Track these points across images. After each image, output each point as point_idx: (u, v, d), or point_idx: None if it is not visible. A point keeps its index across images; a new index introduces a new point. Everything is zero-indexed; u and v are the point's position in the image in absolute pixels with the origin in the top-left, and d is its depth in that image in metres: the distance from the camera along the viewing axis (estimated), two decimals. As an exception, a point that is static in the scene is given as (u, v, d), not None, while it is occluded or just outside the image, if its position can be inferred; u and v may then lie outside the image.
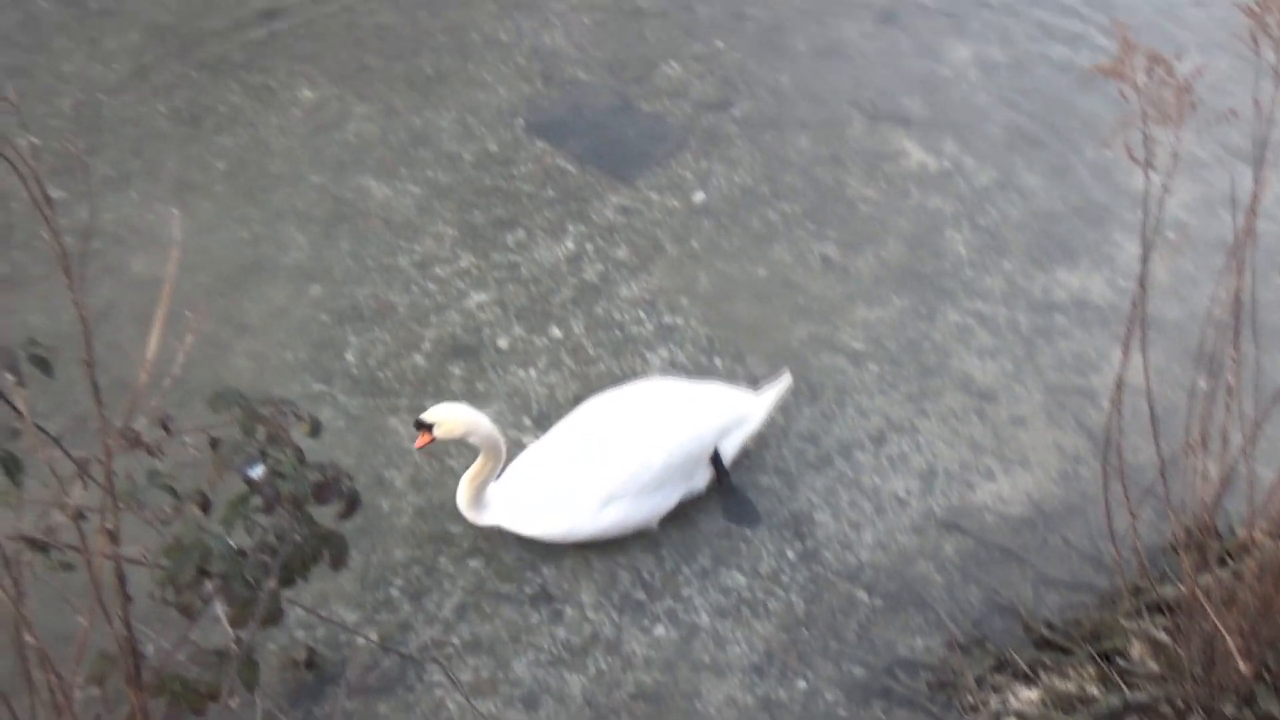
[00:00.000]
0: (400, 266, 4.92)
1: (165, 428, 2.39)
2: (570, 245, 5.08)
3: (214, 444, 2.36)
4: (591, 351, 4.68)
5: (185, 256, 4.76)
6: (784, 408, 4.50)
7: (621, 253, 5.08)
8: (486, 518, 3.95)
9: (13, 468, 2.25)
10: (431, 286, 4.85)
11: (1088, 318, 5.04)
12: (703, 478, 4.15)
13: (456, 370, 4.56)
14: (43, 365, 2.35)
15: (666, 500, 4.05)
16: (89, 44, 5.73)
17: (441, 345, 4.64)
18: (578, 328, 4.77)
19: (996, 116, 5.95)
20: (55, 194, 4.87)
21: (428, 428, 3.65)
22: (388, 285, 4.84)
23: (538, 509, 3.91)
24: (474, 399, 4.41)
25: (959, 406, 4.64)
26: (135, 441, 2.38)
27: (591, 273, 4.99)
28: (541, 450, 4.01)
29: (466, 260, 4.98)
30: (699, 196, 5.36)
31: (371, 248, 4.98)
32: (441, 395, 4.43)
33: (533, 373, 4.58)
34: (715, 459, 4.15)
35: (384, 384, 4.46)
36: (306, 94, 5.62)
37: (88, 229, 4.86)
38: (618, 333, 4.76)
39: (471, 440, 3.71)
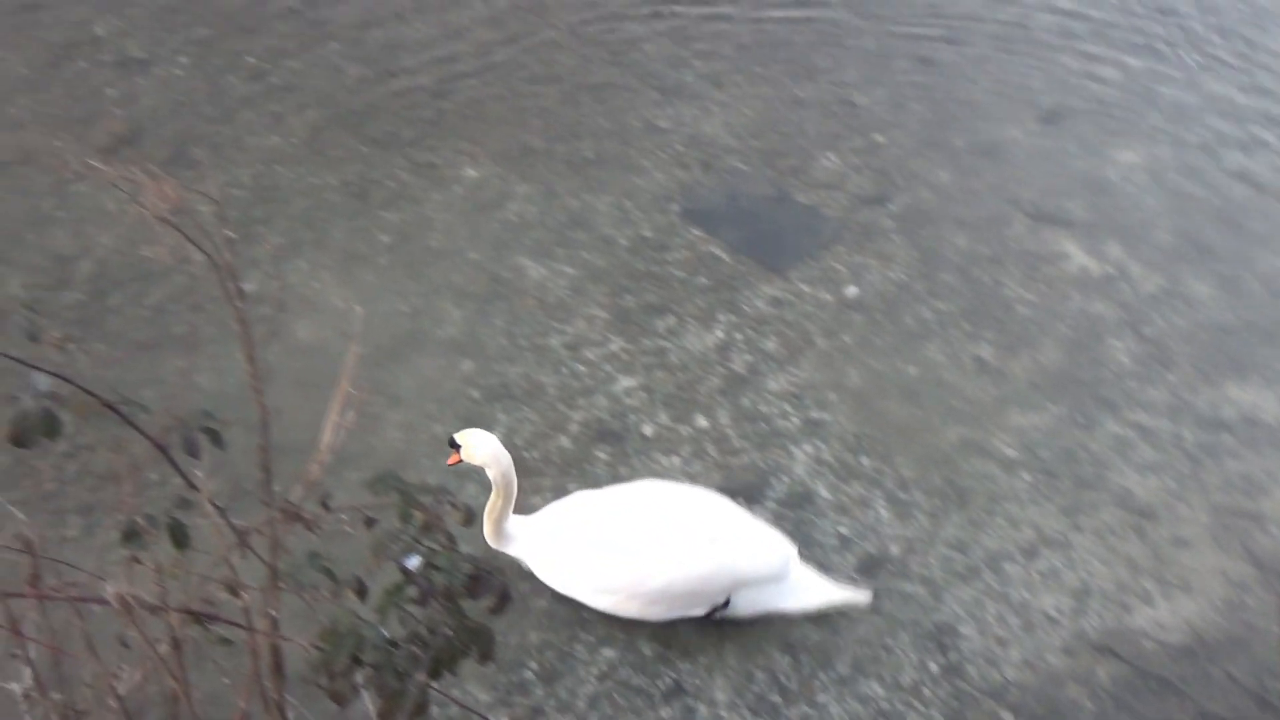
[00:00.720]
0: (551, 347, 5.03)
1: (325, 505, 2.48)
2: (720, 334, 5.13)
3: (369, 523, 2.44)
4: (736, 443, 4.69)
5: (347, 325, 5.01)
6: (931, 513, 4.43)
7: (771, 344, 5.11)
8: (509, 549, 4.01)
9: (181, 538, 2.36)
10: (581, 369, 4.95)
11: (1258, 438, 4.85)
12: (702, 609, 3.97)
13: (601, 454, 4.62)
14: (215, 438, 2.47)
15: (660, 612, 3.95)
16: (271, 117, 6.06)
17: (588, 428, 4.71)
18: (723, 418, 4.79)
19: (1164, 222, 5.82)
20: (229, 257, 5.15)
21: (458, 447, 3.81)
22: (538, 365, 4.95)
23: (549, 561, 3.96)
24: (619, 481, 4.46)
25: (1116, 523, 4.50)
26: (295, 517, 2.47)
27: (740, 363, 5.02)
28: (580, 507, 3.97)
29: (616, 344, 5.06)
30: (852, 291, 5.36)
31: (525, 327, 5.11)
32: (585, 479, 4.50)
33: (676, 461, 4.61)
34: (723, 606, 3.95)
35: (529, 464, 4.55)
36: (470, 173, 5.84)
37: (260, 295, 5.13)
38: (764, 426, 4.77)
39: (489, 473, 3.80)
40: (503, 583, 2.36)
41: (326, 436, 2.50)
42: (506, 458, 3.80)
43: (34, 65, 6.27)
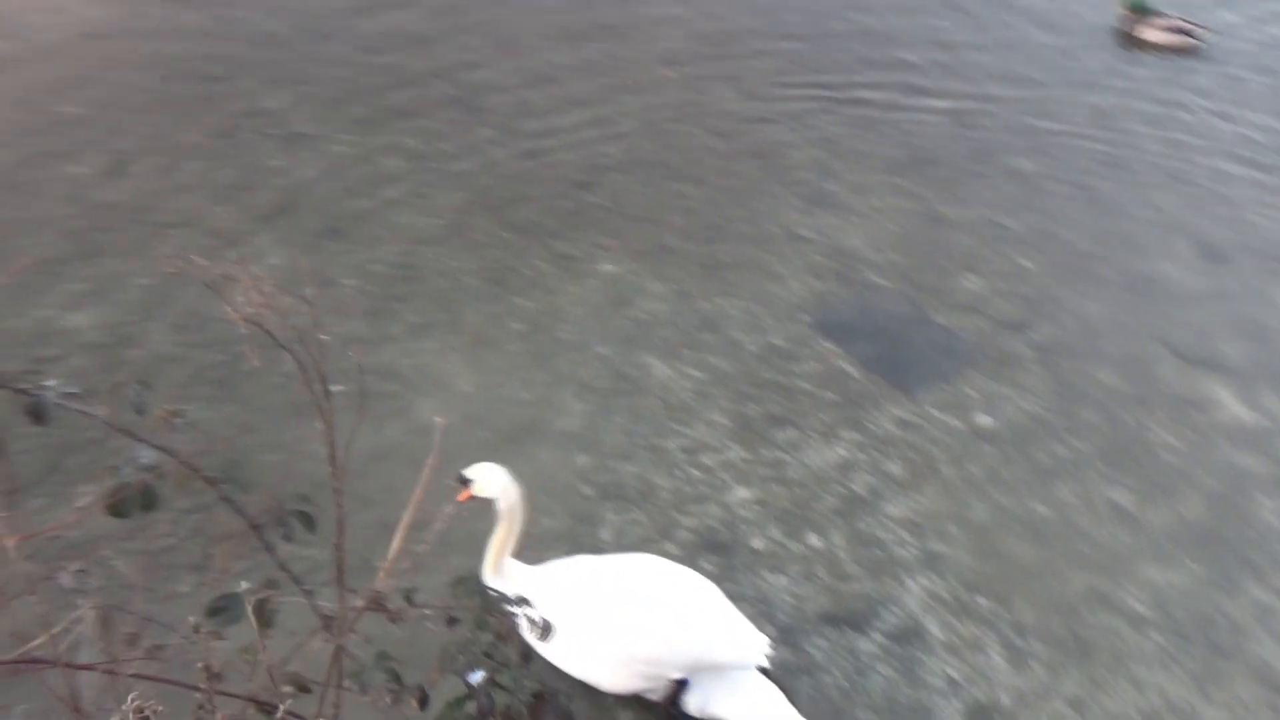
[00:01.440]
0: (669, 449, 5.02)
1: (408, 599, 2.49)
2: (842, 452, 5.05)
3: (451, 623, 2.44)
4: (848, 568, 4.58)
5: (470, 409, 5.10)
6: (1049, 664, 4.23)
7: (894, 468, 4.99)
8: (500, 586, 3.81)
9: (266, 618, 2.39)
10: (696, 474, 4.92)
11: None
12: (659, 693, 3.89)
13: (707, 564, 4.56)
14: (307, 522, 2.52)
15: (620, 681, 3.88)
16: (419, 198, 6.28)
17: (697, 536, 4.67)
18: (837, 539, 4.69)
19: (1330, 376, 5.53)
20: (365, 333, 5.32)
21: (468, 482, 3.88)
22: (654, 466, 4.94)
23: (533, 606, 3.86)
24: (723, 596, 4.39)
25: (1251, 698, 4.21)
26: (379, 605, 2.49)
27: (860, 484, 4.92)
28: (574, 568, 3.96)
29: (735, 452, 5.02)
30: (984, 420, 5.22)
31: (644, 426, 5.12)
32: (689, 588, 4.44)
33: (783, 580, 4.52)
34: (678, 690, 3.84)
35: (634, 567, 4.51)
36: (606, 267, 5.92)
37: (389, 372, 5.27)
38: (878, 552, 4.64)
39: (499, 505, 3.89)
40: (566, 707, 2.32)
41: (397, 543, 2.52)
42: (515, 491, 3.91)
43: (208, 133, 6.66)
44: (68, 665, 2.30)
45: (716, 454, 5.02)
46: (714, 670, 3.85)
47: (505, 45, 7.37)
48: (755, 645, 3.84)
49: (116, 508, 2.20)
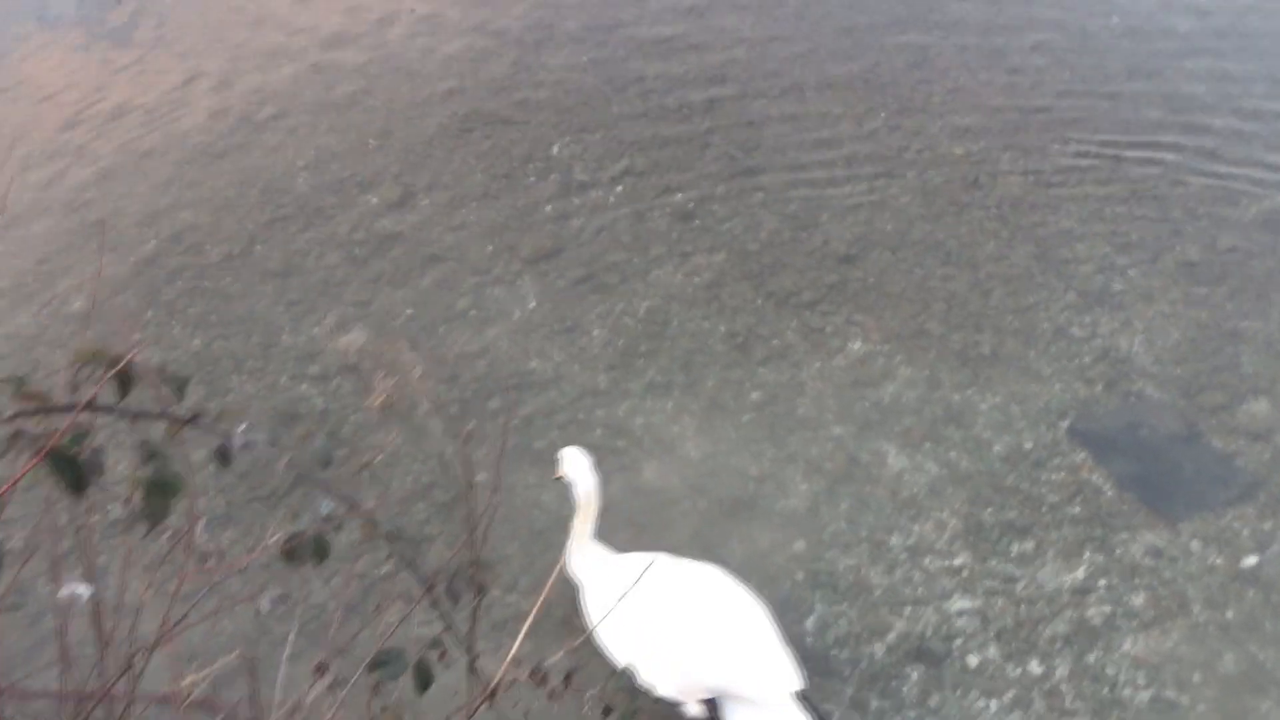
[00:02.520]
0: (890, 545, 4.86)
1: (567, 679, 2.52)
2: (1081, 574, 4.73)
3: (606, 712, 2.46)
4: (1069, 702, 4.28)
5: (693, 476, 5.13)
6: None
7: (1138, 600, 4.63)
8: (576, 573, 4.40)
9: (425, 679, 2.47)
10: (916, 575, 4.74)
11: None
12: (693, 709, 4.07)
13: (914, 673, 4.38)
14: (480, 589, 2.59)
15: (651, 680, 4.07)
16: (680, 256, 6.39)
17: (906, 642, 4.49)
18: (1061, 670, 4.39)
19: None
20: (604, 385, 5.45)
21: (559, 461, 4.38)
22: (872, 561, 4.80)
23: (593, 597, 4.30)
24: (924, 711, 4.20)
25: None
26: (541, 680, 2.53)
27: (1096, 612, 4.59)
28: (647, 564, 4.07)
29: (962, 558, 4.80)
30: (1250, 561, 4.76)
31: (869, 516, 4.98)
32: (887, 694, 4.27)
33: (994, 705, 4.27)
34: (712, 711, 4.01)
35: (833, 664, 4.39)
36: (856, 345, 5.82)
37: (621, 428, 5.38)
38: (1106, 691, 4.31)
39: (576, 490, 4.28)
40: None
41: (533, 615, 2.55)
42: (591, 479, 4.27)
43: (492, 174, 7.04)
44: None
45: (942, 557, 4.82)
46: (745, 696, 3.95)
47: (791, 110, 7.40)
48: (781, 681, 3.90)
49: (290, 553, 2.34)
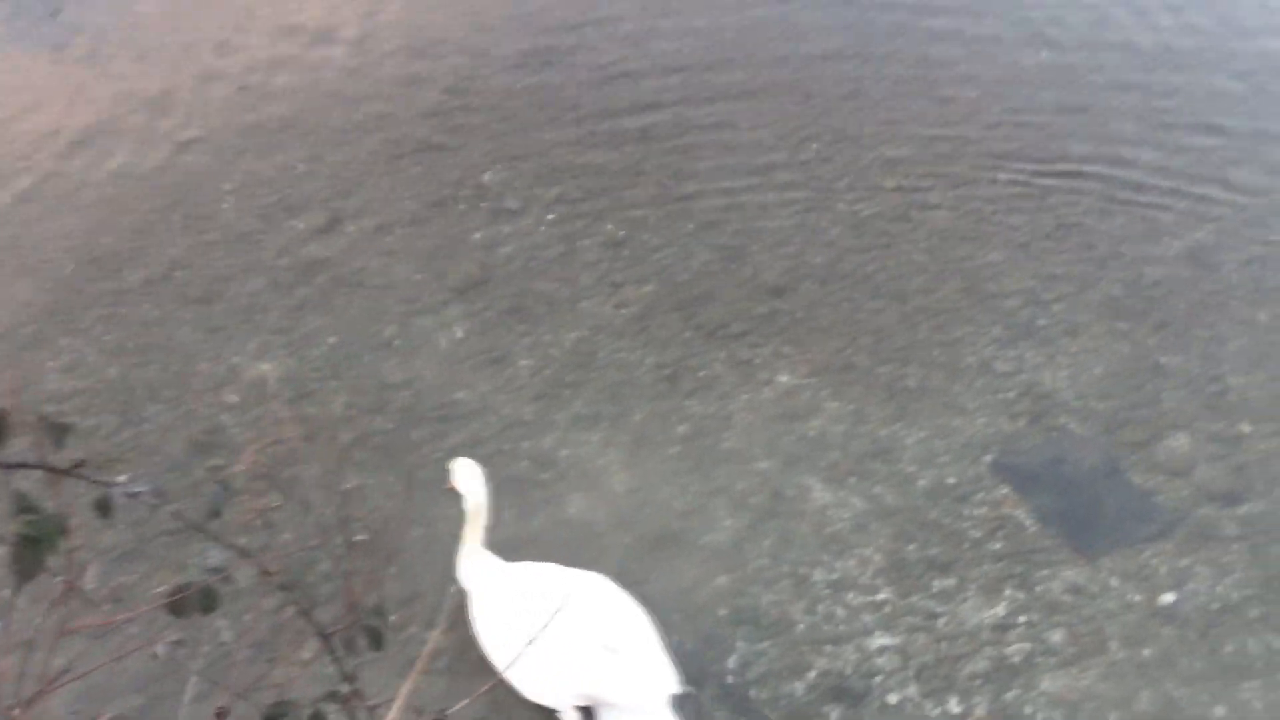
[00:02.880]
0: (814, 580, 4.86)
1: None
2: (1001, 610, 4.75)
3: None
4: (987, 741, 4.29)
5: (618, 509, 5.10)
6: None
7: (1057, 637, 4.66)
8: (462, 579, 4.45)
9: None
10: (838, 612, 4.74)
11: None
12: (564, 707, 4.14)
13: (832, 713, 4.37)
14: (375, 639, 2.53)
15: (526, 688, 4.13)
16: (610, 286, 6.38)
17: (826, 679, 4.48)
18: (980, 708, 4.40)
19: None
20: (530, 416, 5.40)
21: (450, 472, 4.43)
22: (795, 597, 4.79)
23: (478, 605, 4.36)
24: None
25: None
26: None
27: (1016, 650, 4.61)
28: (528, 571, 4.32)
29: (884, 594, 4.81)
30: (1168, 598, 4.81)
31: (793, 552, 4.98)
32: (808, 735, 4.26)
33: (912, 744, 4.27)
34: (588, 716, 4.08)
35: (752, 704, 4.38)
36: (783, 378, 5.83)
37: (548, 460, 5.34)
38: (1024, 729, 4.33)
39: (466, 503, 4.33)
40: None
41: (418, 666, 2.50)
42: (481, 489, 4.34)
43: (421, 201, 6.98)
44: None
45: (864, 594, 4.82)
46: (621, 702, 4.00)
47: (725, 140, 7.42)
48: (656, 686, 3.97)
49: (176, 606, 2.27)
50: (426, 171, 7.25)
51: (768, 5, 8.81)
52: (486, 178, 7.17)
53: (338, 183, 7.16)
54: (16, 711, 2.46)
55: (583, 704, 4.08)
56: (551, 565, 4.35)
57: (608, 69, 8.15)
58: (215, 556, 2.36)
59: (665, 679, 3.97)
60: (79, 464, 2.23)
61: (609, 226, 6.79)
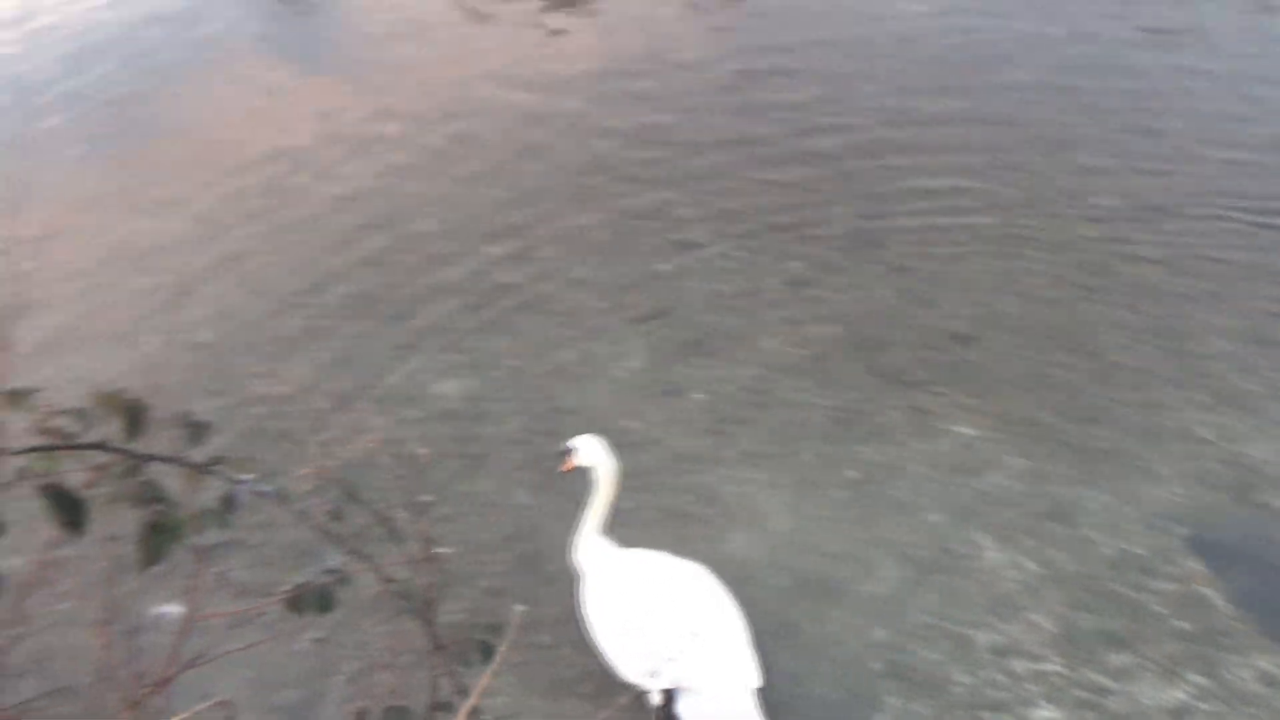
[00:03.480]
0: (976, 643, 4.62)
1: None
2: (1181, 695, 4.41)
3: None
4: (1153, 833, 3.97)
5: (778, 551, 5.00)
6: None
7: (1242, 729, 4.29)
8: (576, 561, 4.57)
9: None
10: (1000, 679, 4.49)
11: None
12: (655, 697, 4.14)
13: (986, 784, 4.13)
14: (487, 653, 2.53)
15: (617, 664, 4.22)
16: (791, 326, 6.29)
17: (981, 749, 4.24)
18: (1148, 798, 4.08)
19: None
20: (699, 450, 5.36)
21: (570, 453, 4.53)
22: (954, 658, 4.56)
23: (588, 586, 4.46)
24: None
25: None
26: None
27: (1194, 738, 4.26)
28: (641, 558, 4.46)
29: (1052, 665, 4.53)
30: (1375, 700, 4.36)
31: (956, 610, 4.76)
32: (956, 805, 4.04)
33: (1069, 827, 3.99)
34: (669, 701, 4.10)
35: (900, 766, 4.18)
36: (963, 429, 5.60)
37: (712, 495, 5.29)
38: (1196, 825, 3.99)
39: (598, 473, 4.48)
40: None
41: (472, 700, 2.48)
42: (610, 461, 4.49)
43: (612, 232, 7.08)
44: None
45: (1030, 661, 4.56)
46: (703, 689, 4.04)
47: (922, 183, 7.24)
48: (741, 677, 4.04)
49: (294, 603, 2.33)
50: (620, 202, 7.34)
51: (970, 47, 8.59)
52: (677, 211, 7.20)
53: (533, 211, 7.33)
54: (148, 691, 2.57)
55: (669, 687, 4.10)
56: (660, 553, 4.48)
57: (807, 108, 8.10)
58: (332, 558, 2.41)
59: (748, 672, 4.05)
60: (216, 461, 2.32)
61: (795, 265, 6.71)
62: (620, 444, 5.57)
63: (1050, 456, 5.46)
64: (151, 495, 2.25)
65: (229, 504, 2.26)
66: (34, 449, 2.19)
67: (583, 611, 4.46)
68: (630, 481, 5.36)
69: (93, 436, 2.29)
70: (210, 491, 2.40)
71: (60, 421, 2.36)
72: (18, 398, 2.43)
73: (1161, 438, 5.52)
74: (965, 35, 8.77)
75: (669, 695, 4.13)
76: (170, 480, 2.29)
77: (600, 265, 6.83)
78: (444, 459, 5.59)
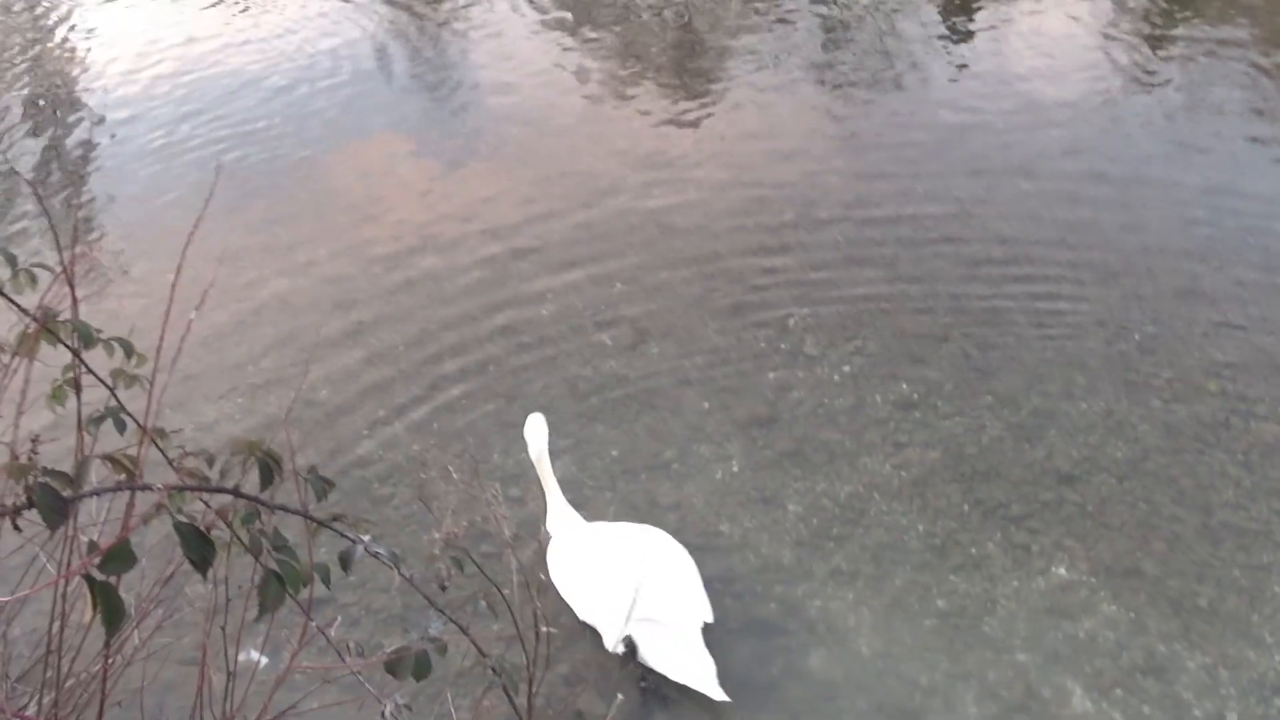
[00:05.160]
0: (1055, 793, 4.52)
1: None
2: None
3: None
4: None
5: (858, 673, 4.98)
6: None
7: None
8: (547, 529, 5.52)
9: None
10: (1077, 833, 4.37)
11: None
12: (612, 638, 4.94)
13: None
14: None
15: (585, 613, 5.12)
16: (893, 446, 6.30)
17: None
18: None
19: None
20: (788, 562, 5.37)
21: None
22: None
23: (554, 548, 5.44)
24: None
25: None
26: None
27: None
28: (603, 526, 5.46)
29: (1132, 825, 4.41)
30: None
31: (1038, 757, 4.66)
32: None
33: None
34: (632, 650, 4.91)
35: None
36: (1060, 571, 5.53)
37: (793, 610, 5.29)
38: None
39: (530, 451, 5.40)
40: None
41: None
42: (541, 440, 5.35)
43: (724, 334, 7.19)
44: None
45: (1107, 819, 4.44)
46: (659, 629, 4.85)
47: (1040, 319, 7.23)
48: (693, 613, 4.93)
49: (392, 666, 2.43)
50: (734, 306, 7.46)
51: (1098, 185, 8.59)
52: (791, 321, 7.29)
53: (649, 306, 7.48)
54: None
55: (630, 634, 4.86)
56: (623, 524, 5.43)
57: (929, 230, 8.16)
58: (436, 626, 2.51)
59: (700, 609, 4.97)
60: (336, 517, 2.45)
61: (903, 386, 6.73)
62: (711, 547, 5.66)
63: (1149, 609, 5.35)
64: (275, 544, 2.38)
65: (345, 561, 2.38)
66: (174, 488, 2.35)
67: (553, 569, 5.34)
68: (716, 587, 5.42)
69: (219, 479, 2.44)
70: (325, 546, 2.53)
71: (193, 463, 2.52)
72: (161, 436, 2.61)
73: (1268, 603, 5.37)
74: (1094, 175, 8.75)
75: (629, 640, 4.89)
76: (287, 530, 2.43)
77: (709, 366, 6.93)
78: (533, 540, 5.69)
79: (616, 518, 5.82)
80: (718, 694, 4.67)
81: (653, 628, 4.82)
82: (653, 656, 4.85)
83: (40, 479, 2.09)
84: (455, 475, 5.90)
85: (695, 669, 4.75)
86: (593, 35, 11.47)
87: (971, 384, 6.76)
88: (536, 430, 5.35)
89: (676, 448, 6.32)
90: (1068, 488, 6.04)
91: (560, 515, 5.45)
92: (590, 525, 5.44)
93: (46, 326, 2.54)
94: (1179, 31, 11.29)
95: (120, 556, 2.11)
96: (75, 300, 2.81)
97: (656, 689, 4.91)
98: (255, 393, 6.89)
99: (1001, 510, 5.91)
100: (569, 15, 11.81)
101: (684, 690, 4.82)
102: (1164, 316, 7.30)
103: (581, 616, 5.10)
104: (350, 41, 11.55)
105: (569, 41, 11.33)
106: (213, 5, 12.54)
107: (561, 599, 5.23)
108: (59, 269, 2.86)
